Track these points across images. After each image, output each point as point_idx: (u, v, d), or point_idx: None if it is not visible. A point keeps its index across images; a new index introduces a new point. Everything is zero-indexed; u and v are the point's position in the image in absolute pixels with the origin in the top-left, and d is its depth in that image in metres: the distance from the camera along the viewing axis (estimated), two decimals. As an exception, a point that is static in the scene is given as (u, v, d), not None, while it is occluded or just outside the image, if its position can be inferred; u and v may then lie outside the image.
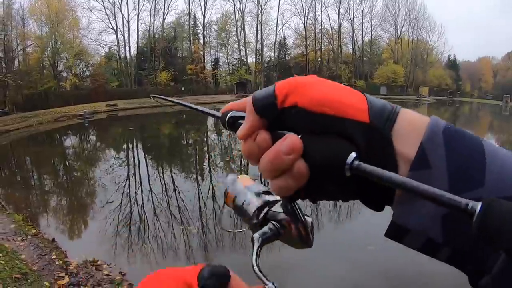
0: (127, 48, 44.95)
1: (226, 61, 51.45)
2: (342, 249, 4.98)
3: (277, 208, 0.36)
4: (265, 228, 0.34)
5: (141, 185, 8.64)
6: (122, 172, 10.13)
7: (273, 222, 0.35)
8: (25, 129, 20.72)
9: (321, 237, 5.03)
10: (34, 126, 21.66)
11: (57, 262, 4.28)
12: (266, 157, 0.30)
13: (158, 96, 0.65)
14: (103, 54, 44.09)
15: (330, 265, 4.42)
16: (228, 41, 50.61)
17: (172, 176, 9.57)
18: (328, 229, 5.68)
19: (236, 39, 50.32)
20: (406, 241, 0.29)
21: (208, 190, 8.02)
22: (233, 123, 0.35)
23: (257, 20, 50.06)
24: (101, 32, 42.70)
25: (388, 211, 0.32)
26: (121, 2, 43.27)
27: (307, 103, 0.29)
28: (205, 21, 48.37)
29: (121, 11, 43.56)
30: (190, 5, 47.49)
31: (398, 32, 56.54)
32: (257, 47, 50.74)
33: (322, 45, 53.78)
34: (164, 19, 46.39)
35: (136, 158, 12.83)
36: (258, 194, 0.40)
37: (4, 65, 31.98)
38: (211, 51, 50.96)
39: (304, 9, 51.92)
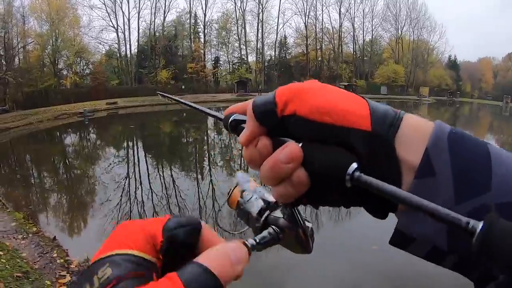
0: (128, 46, 45.06)
1: (227, 59, 51.50)
2: (342, 249, 4.98)
3: (278, 213, 0.36)
4: (265, 233, 0.34)
5: (141, 183, 8.63)
6: (122, 170, 10.11)
7: (273, 226, 0.35)
8: (25, 127, 20.67)
9: (321, 237, 5.02)
10: (34, 124, 21.61)
11: (58, 261, 4.28)
12: (266, 164, 0.30)
13: (166, 94, 0.63)
14: (104, 52, 44.21)
15: (330, 265, 4.41)
16: (229, 40, 50.65)
17: (172, 175, 9.58)
18: (328, 229, 5.68)
19: (237, 37, 50.35)
20: (411, 249, 0.29)
21: (208, 189, 8.03)
22: (236, 127, 0.35)
23: (258, 19, 50.11)
24: (102, 30, 42.82)
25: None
26: (122, 0, 43.33)
27: (307, 112, 0.29)
28: (206, 19, 48.48)
29: (121, 9, 43.63)
30: (191, 3, 47.60)
31: (399, 32, 56.56)
32: (258, 46, 50.79)
33: (323, 45, 53.72)
34: (164, 18, 46.49)
35: (136, 157, 12.82)
36: (261, 198, 0.40)
37: (4, 62, 31.95)
38: (212, 50, 51.03)
39: (305, 8, 52.01)
